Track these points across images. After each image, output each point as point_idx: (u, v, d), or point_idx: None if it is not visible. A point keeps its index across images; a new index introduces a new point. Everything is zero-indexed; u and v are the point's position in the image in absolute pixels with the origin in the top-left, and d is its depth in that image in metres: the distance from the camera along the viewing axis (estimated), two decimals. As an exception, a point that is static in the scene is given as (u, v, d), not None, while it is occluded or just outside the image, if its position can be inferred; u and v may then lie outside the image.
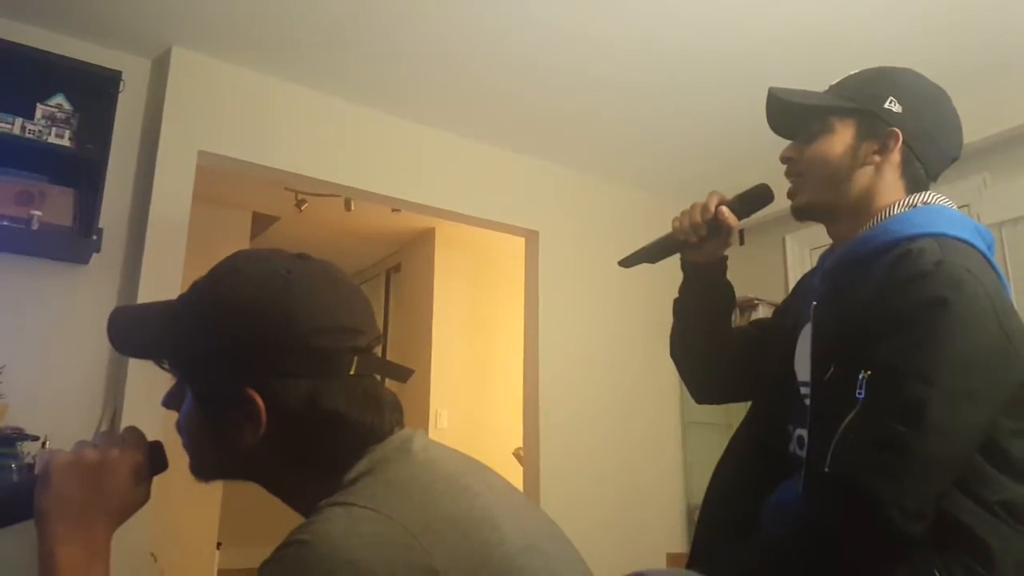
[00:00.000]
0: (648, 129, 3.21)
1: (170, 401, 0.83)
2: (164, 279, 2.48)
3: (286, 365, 0.76)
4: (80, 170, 2.37)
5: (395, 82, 2.86)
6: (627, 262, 1.33)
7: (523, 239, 3.57)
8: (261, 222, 4.51)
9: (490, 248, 4.60)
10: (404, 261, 5.18)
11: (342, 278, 0.83)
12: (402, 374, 0.86)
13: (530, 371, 3.41)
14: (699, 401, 1.40)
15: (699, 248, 1.30)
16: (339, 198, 3.85)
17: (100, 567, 0.74)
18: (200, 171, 2.66)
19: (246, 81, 2.80)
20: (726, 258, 1.35)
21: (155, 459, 0.81)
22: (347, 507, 0.72)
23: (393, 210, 3.97)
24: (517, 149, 3.43)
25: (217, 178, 3.03)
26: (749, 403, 1.27)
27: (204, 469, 0.82)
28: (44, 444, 2.21)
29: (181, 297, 0.82)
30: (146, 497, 0.81)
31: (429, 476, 0.78)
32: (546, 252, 3.49)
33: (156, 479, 0.83)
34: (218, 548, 3.97)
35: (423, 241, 4.85)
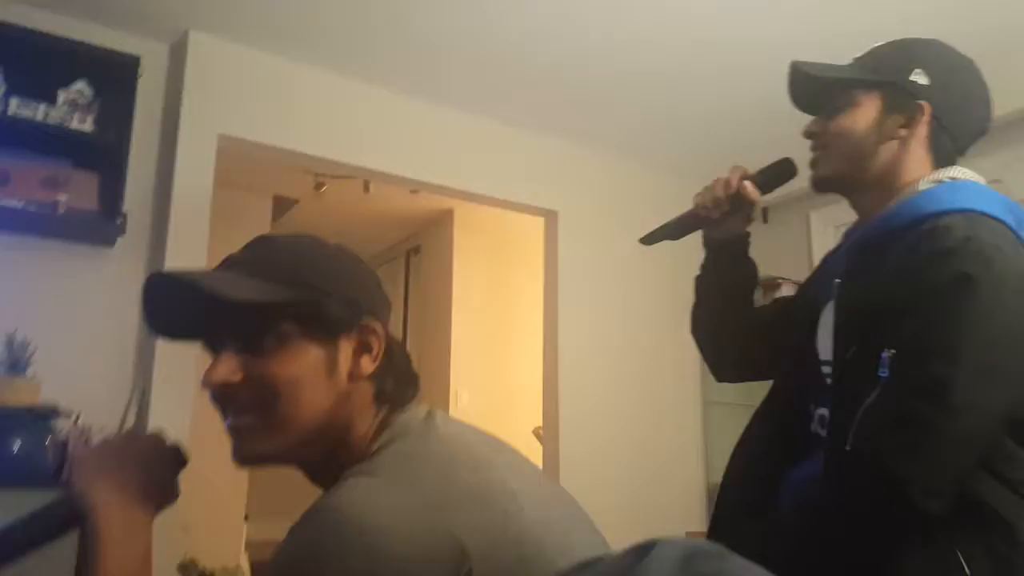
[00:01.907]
0: (672, 110, 3.17)
1: (253, 348, 0.82)
2: (188, 262, 2.50)
3: (377, 304, 0.88)
4: (102, 155, 2.40)
5: (414, 63, 2.86)
6: (649, 239, 1.33)
7: (542, 219, 3.56)
8: (281, 205, 4.54)
9: (509, 229, 4.59)
10: (423, 243, 5.19)
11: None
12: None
13: (549, 351, 3.42)
14: (719, 379, 1.39)
15: (721, 224, 1.29)
16: (358, 180, 3.87)
17: (141, 533, 0.78)
18: (220, 155, 2.67)
19: (264, 64, 2.80)
20: (749, 234, 1.34)
21: (177, 456, 0.85)
22: (371, 477, 0.75)
23: (411, 191, 3.98)
24: (537, 129, 3.41)
25: (237, 162, 3.05)
26: (770, 382, 1.26)
27: (270, 434, 0.81)
28: (76, 421, 2.25)
29: (261, 256, 0.85)
30: (176, 493, 0.84)
31: (449, 449, 0.81)
32: (565, 232, 3.48)
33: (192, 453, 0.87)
34: (246, 520, 4.05)
35: (442, 222, 4.86)
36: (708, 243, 1.35)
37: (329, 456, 0.82)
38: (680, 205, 1.37)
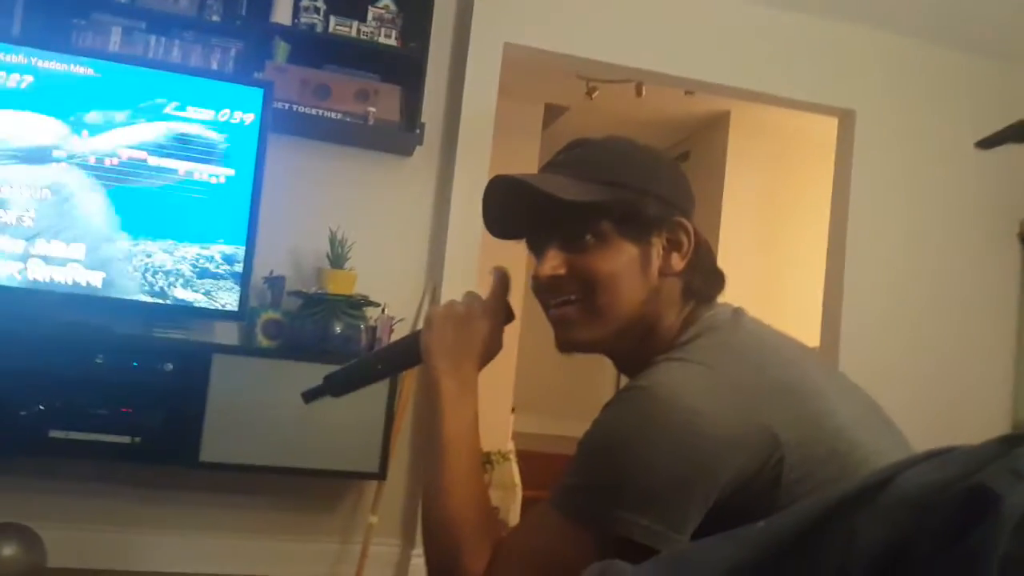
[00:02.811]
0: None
1: (572, 257, 0.87)
2: (475, 170, 2.67)
3: (687, 205, 0.89)
4: (404, 68, 2.60)
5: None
6: (988, 143, 1.17)
7: (835, 121, 3.24)
8: (552, 113, 4.62)
9: (791, 133, 4.26)
10: (693, 149, 5.02)
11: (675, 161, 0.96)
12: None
13: (833, 268, 3.17)
14: None
15: None
16: (630, 84, 3.80)
17: (470, 397, 0.87)
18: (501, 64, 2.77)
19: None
20: None
21: (507, 313, 0.93)
22: (683, 362, 0.77)
23: (686, 93, 3.84)
24: (829, 14, 3.06)
25: (512, 71, 3.15)
26: None
27: (592, 324, 0.86)
28: (383, 310, 2.56)
29: (583, 158, 0.89)
30: (500, 346, 0.92)
31: (759, 344, 0.82)
32: (863, 135, 3.13)
33: None
34: (512, 412, 4.39)
35: (716, 126, 4.64)
36: None
37: (639, 347, 0.85)
38: (1013, 100, 1.16)
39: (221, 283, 2.36)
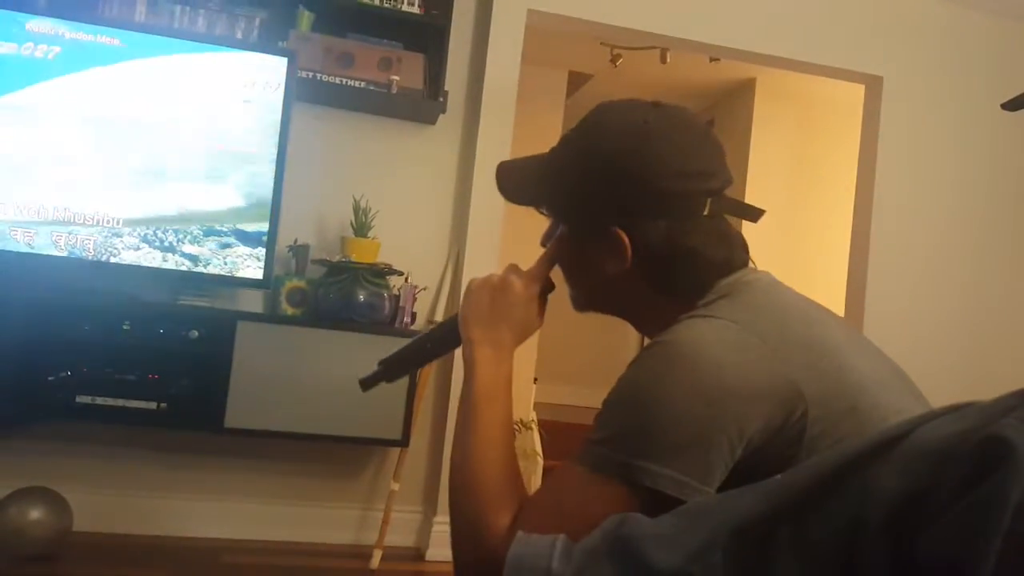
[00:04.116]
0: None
1: (546, 240, 0.94)
2: (498, 138, 2.66)
3: (647, 207, 0.83)
4: (427, 35, 2.58)
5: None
6: (1014, 104, 1.13)
7: (862, 87, 3.17)
8: (576, 81, 4.56)
9: (817, 100, 4.18)
10: (718, 116, 4.94)
11: (695, 123, 0.88)
12: (754, 214, 0.88)
13: (859, 238, 3.12)
14: None
15: None
16: (655, 51, 3.74)
17: (506, 366, 0.87)
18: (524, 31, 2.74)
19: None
20: None
21: (546, 284, 0.93)
22: (708, 319, 0.77)
23: (711, 59, 3.76)
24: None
25: (535, 38, 3.11)
26: None
27: (577, 300, 0.93)
28: (407, 279, 2.58)
29: (554, 150, 0.92)
30: (540, 321, 0.92)
31: (781, 303, 0.82)
32: (890, 101, 3.06)
33: None
34: (534, 382, 4.41)
35: (741, 94, 4.56)
36: None
37: (657, 311, 0.85)
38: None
39: (246, 251, 2.38)
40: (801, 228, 4.39)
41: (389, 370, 0.96)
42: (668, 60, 3.93)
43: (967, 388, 3.05)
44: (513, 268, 0.91)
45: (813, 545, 0.43)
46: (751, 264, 0.87)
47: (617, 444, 0.72)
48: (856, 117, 3.25)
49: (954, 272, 3.11)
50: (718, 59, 3.66)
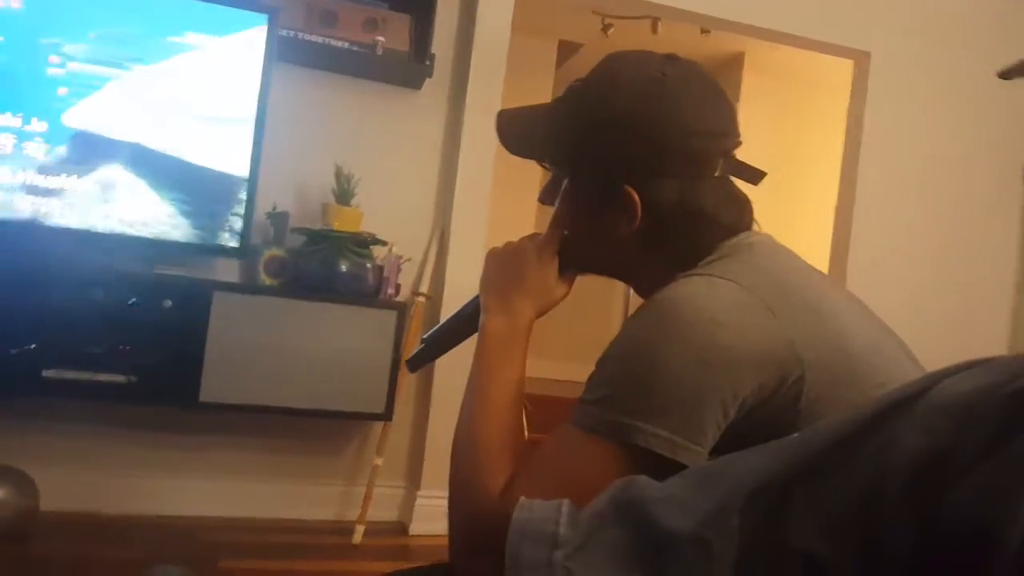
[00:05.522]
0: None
1: (546, 197, 0.90)
2: (487, 104, 2.56)
3: (661, 165, 0.80)
4: (415, -5, 2.47)
5: None
6: (1011, 73, 1.14)
7: (849, 64, 3.13)
8: (566, 50, 4.48)
9: (805, 75, 4.15)
10: (705, 91, 4.90)
11: (710, 79, 0.85)
12: (756, 176, 0.86)
13: (842, 217, 3.10)
14: None
15: None
16: (646, 20, 3.67)
17: (519, 339, 0.84)
18: (514, -4, 2.64)
19: None
20: None
21: (574, 256, 0.89)
22: (707, 277, 0.76)
23: (702, 31, 3.71)
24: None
25: (526, 5, 3.02)
26: None
27: (575, 260, 0.88)
28: (391, 249, 2.49)
29: (561, 100, 0.87)
30: (564, 289, 0.88)
31: (783, 267, 0.81)
32: (877, 78, 3.04)
33: None
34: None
35: (730, 68, 4.52)
36: None
37: (660, 273, 0.81)
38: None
39: (223, 219, 2.28)
40: (787, 203, 4.37)
41: (434, 346, 0.94)
42: (659, 31, 3.86)
43: (940, 359, 3.06)
44: (533, 235, 0.88)
45: (832, 508, 0.40)
46: (756, 226, 0.85)
47: (610, 404, 0.70)
48: (842, 94, 3.22)
49: (934, 249, 3.11)
50: (708, 32, 3.60)
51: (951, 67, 3.06)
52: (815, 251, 3.43)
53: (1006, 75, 1.15)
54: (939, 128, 3.09)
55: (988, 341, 3.14)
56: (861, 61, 3.08)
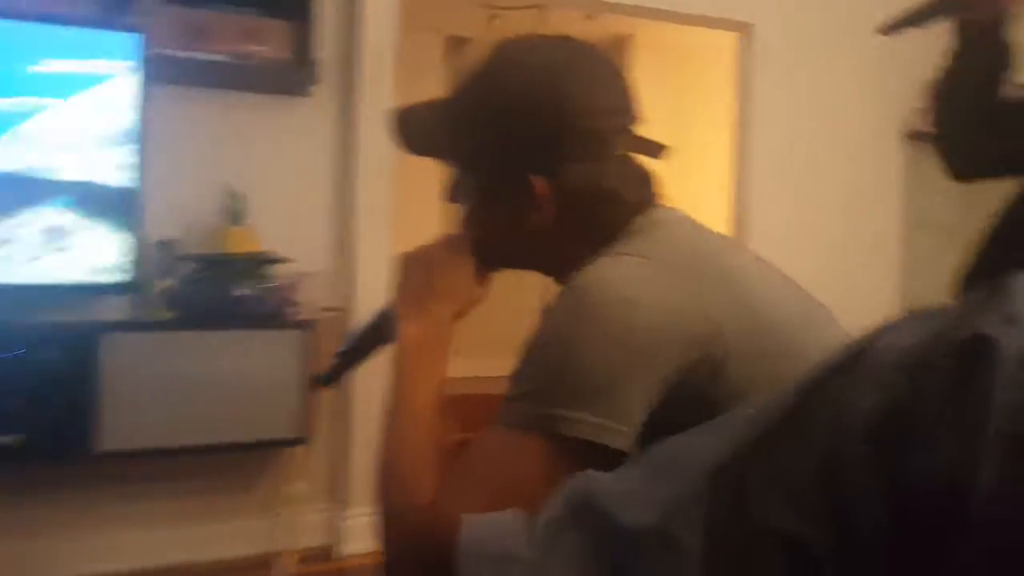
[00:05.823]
0: None
1: (452, 195, 0.86)
2: (379, 105, 2.48)
3: (563, 150, 0.78)
4: (291, 0, 2.36)
5: None
6: (893, 26, 1.19)
7: (735, 36, 3.21)
8: (453, 45, 4.42)
9: (695, 51, 4.24)
10: (598, 74, 4.95)
11: (604, 58, 0.84)
12: (657, 150, 0.85)
13: (739, 185, 3.18)
14: (959, 177, 1.27)
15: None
16: (532, 9, 3.66)
17: (438, 345, 0.81)
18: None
19: None
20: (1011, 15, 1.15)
21: (487, 253, 0.87)
22: (617, 256, 0.75)
23: (587, 17, 3.72)
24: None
25: (409, 2, 2.95)
26: None
27: (489, 257, 0.85)
28: (291, 266, 2.38)
29: (455, 93, 0.84)
30: (481, 290, 0.86)
31: (696, 239, 0.80)
32: (761, 48, 3.12)
33: None
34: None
35: (620, 51, 4.56)
36: (964, 29, 1.18)
37: (576, 260, 0.79)
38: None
39: (107, 255, 2.12)
40: (684, 179, 4.46)
41: (346, 359, 0.91)
42: (545, 19, 3.85)
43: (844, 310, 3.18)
44: (442, 237, 0.85)
45: (794, 482, 0.39)
46: (663, 201, 0.84)
47: (532, 398, 0.69)
48: (732, 66, 3.29)
49: (826, 217, 3.23)
50: (592, 17, 3.62)
51: (832, 32, 3.18)
52: (715, 222, 3.53)
53: (893, 28, 1.17)
54: (824, 92, 3.21)
55: (879, 290, 3.29)
56: (745, 33, 3.16)
